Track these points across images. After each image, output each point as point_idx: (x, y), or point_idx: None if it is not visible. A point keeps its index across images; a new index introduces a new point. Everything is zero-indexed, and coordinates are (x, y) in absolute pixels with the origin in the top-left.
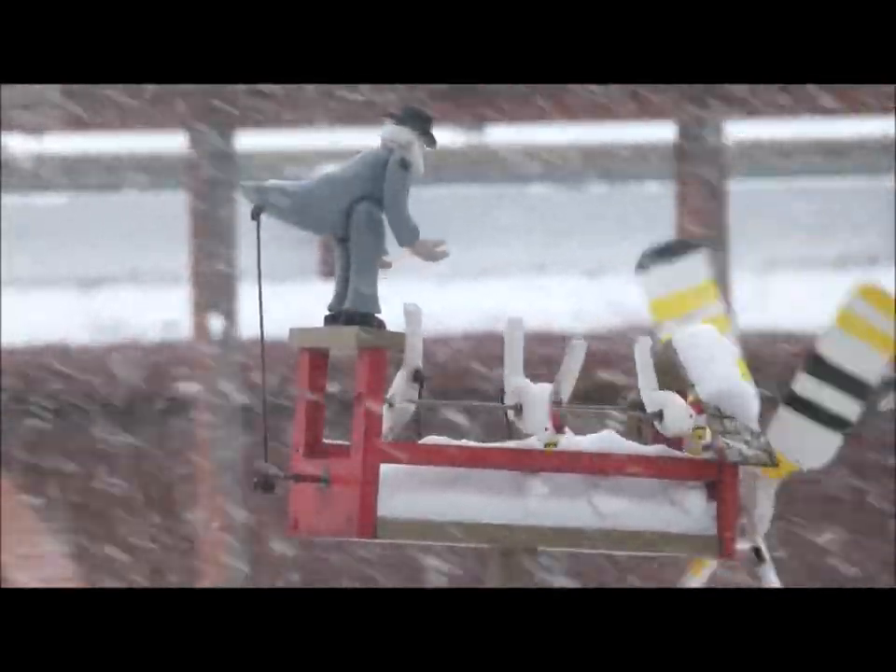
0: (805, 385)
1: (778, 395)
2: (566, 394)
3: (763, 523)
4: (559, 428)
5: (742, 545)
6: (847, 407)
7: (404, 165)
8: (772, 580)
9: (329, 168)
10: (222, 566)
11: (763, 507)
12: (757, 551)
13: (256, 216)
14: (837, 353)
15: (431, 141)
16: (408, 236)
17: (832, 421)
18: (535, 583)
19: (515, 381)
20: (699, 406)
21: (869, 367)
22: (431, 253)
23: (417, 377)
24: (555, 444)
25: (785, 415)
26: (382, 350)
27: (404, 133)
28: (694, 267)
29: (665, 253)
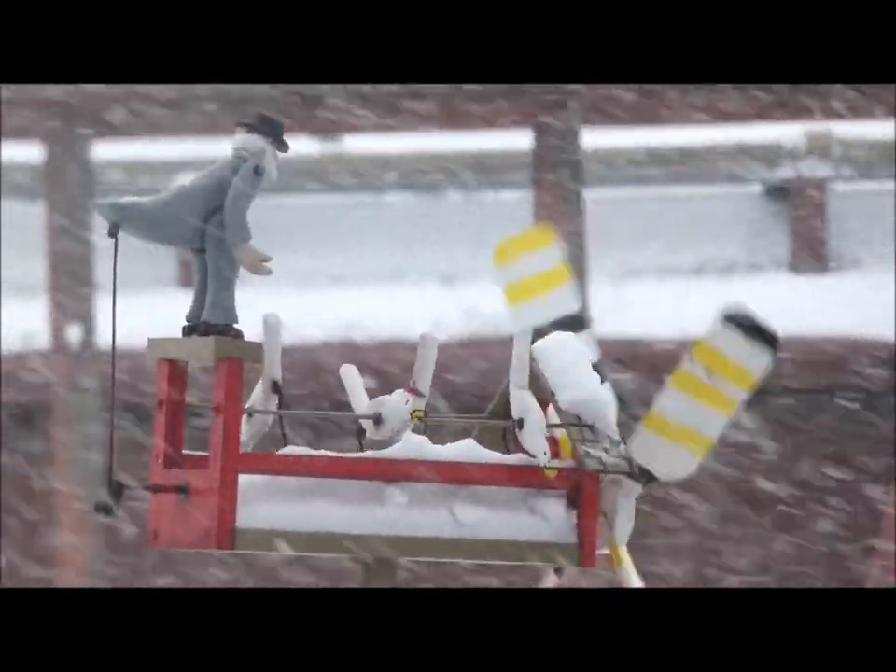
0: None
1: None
2: (424, 387)
3: (625, 530)
4: (417, 394)
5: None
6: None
7: (258, 172)
8: (633, 582)
9: (185, 180)
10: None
11: (624, 514)
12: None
13: (113, 234)
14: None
15: (283, 146)
16: (238, 235)
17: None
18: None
19: (365, 404)
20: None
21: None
22: (254, 263)
23: (276, 388)
24: (421, 410)
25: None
26: (239, 360)
27: (257, 141)
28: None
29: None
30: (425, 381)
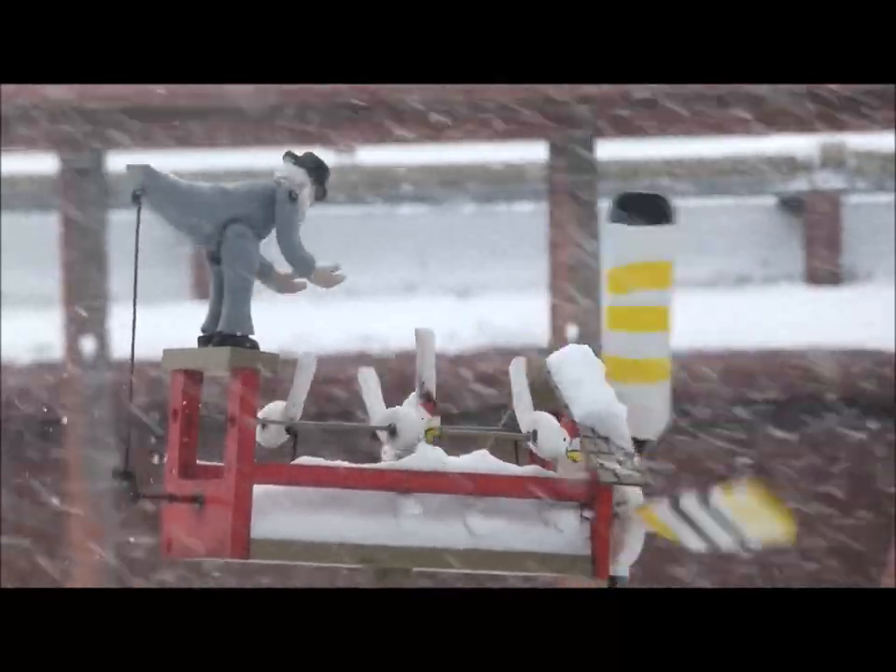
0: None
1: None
2: (430, 381)
3: (631, 557)
4: (434, 411)
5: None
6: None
7: (293, 198)
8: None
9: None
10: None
11: (634, 542)
12: (612, 580)
13: (136, 198)
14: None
15: (322, 193)
16: (304, 266)
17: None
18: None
19: (381, 412)
20: (573, 428)
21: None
22: (329, 279)
23: (290, 431)
24: (436, 428)
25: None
26: (254, 371)
27: (300, 175)
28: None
29: (652, 210)
30: (430, 378)
